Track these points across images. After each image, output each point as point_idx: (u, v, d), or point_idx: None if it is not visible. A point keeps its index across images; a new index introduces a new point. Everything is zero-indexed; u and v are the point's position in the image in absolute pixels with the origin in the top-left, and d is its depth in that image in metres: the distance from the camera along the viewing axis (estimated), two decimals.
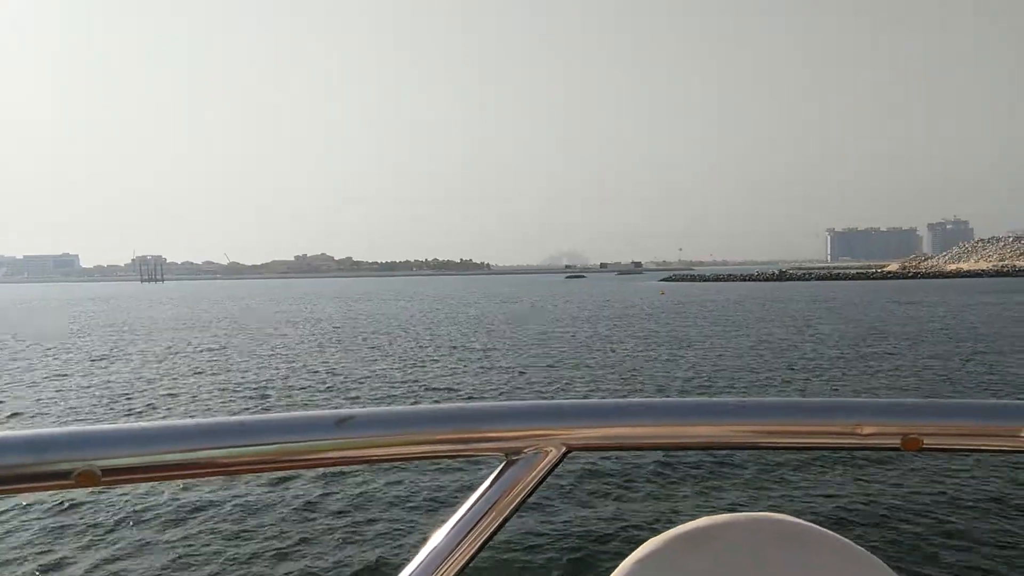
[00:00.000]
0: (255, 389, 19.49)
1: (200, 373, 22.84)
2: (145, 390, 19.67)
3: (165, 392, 19.35)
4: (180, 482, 9.28)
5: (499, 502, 0.86)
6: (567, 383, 19.37)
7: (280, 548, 8.19)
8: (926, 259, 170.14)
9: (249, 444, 0.79)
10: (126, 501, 9.68)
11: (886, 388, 17.83)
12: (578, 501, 9.44)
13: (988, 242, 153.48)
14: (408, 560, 0.84)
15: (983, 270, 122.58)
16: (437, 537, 0.85)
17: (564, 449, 0.88)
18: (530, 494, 0.88)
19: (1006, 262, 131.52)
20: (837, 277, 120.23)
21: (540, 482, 0.88)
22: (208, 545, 8.30)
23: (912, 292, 70.24)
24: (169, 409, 17.04)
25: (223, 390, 19.54)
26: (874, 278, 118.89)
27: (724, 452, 9.97)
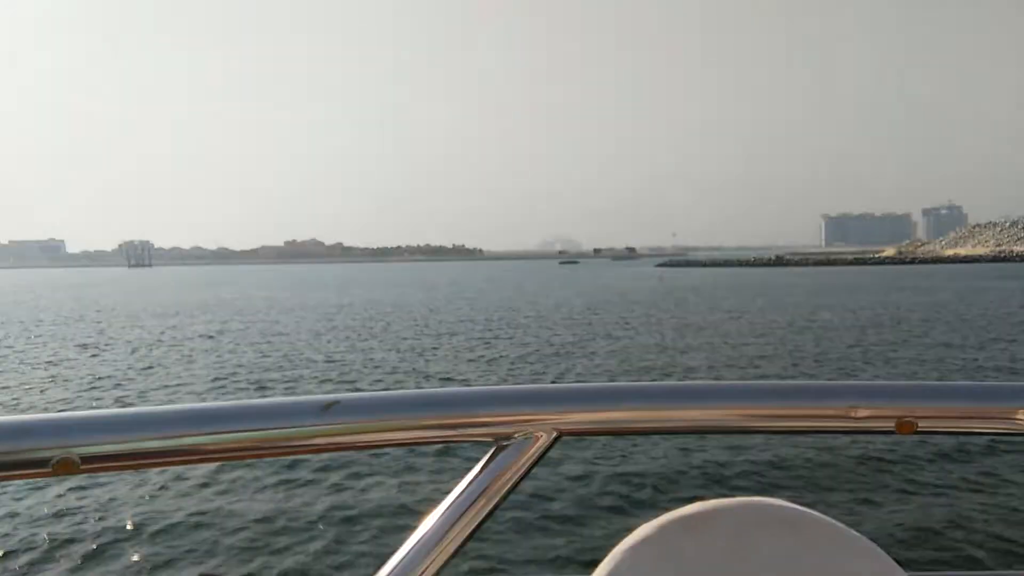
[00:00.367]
0: (244, 376, 19.13)
1: (189, 360, 22.32)
2: (130, 377, 19.23)
3: (151, 379, 18.95)
4: (162, 469, 8.55)
5: (489, 488, 0.85)
6: (567, 369, 18.85)
7: (266, 536, 8.02)
8: (922, 244, 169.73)
9: (233, 430, 0.78)
10: (106, 489, 9.42)
11: (888, 374, 17.34)
12: (569, 486, 9.29)
13: (984, 227, 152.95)
14: (398, 547, 0.83)
15: (980, 255, 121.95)
16: (427, 523, 0.84)
17: (555, 434, 0.87)
18: (521, 479, 0.87)
19: (1003, 247, 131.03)
20: (834, 263, 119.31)
21: (531, 467, 0.87)
22: (191, 533, 8.13)
23: (911, 277, 69.64)
24: (153, 395, 16.64)
25: (211, 377, 19.11)
26: (871, 263, 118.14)
27: (716, 436, 9.53)
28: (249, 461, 8.84)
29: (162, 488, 9.49)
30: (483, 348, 23.24)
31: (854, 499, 8.72)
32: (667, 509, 0.96)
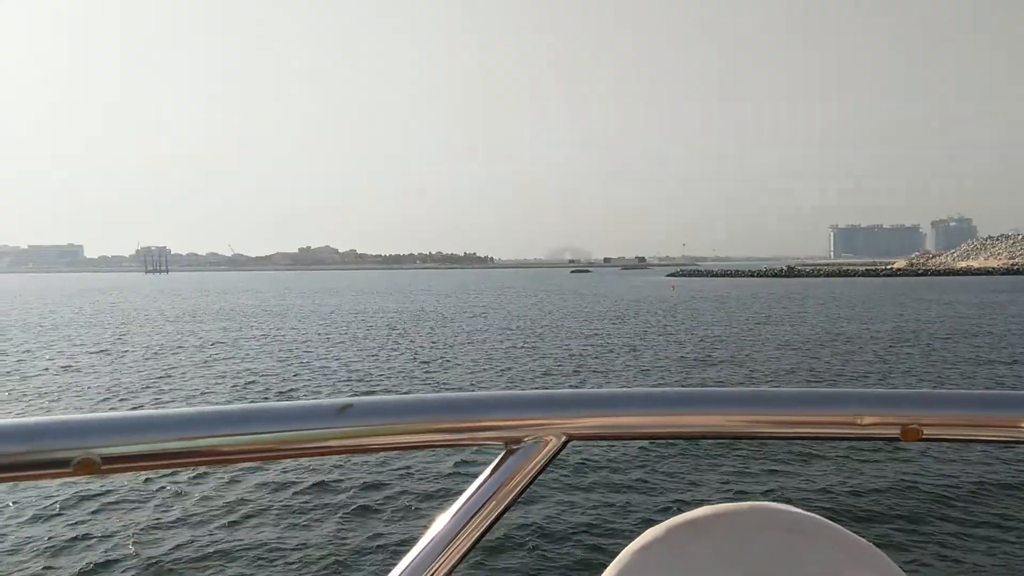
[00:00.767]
0: (260, 380, 19.41)
1: (206, 363, 22.70)
2: (149, 380, 19.53)
3: (169, 381, 19.22)
4: (180, 470, 9.21)
5: (499, 491, 0.86)
6: (586, 377, 19.17)
7: (281, 536, 8.18)
8: (934, 256, 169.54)
9: (250, 432, 0.79)
10: (126, 489, 9.63)
11: (894, 382, 17.40)
12: (578, 490, 9.41)
13: (997, 240, 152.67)
14: (409, 548, 0.84)
15: (993, 268, 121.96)
16: (438, 525, 0.85)
17: (564, 438, 0.88)
18: (530, 483, 0.88)
19: (1017, 260, 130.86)
20: (846, 274, 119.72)
21: (540, 471, 0.88)
22: (209, 533, 8.28)
23: (926, 289, 69.83)
24: (171, 398, 16.95)
25: (227, 380, 19.41)
26: (883, 275, 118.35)
27: (724, 442, 10.46)
28: (265, 463, 9.88)
29: (180, 488, 9.72)
30: (501, 355, 23.56)
31: (860, 504, 8.81)
32: (675, 513, 0.96)
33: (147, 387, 18.48)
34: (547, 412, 0.87)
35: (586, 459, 10.46)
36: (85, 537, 8.21)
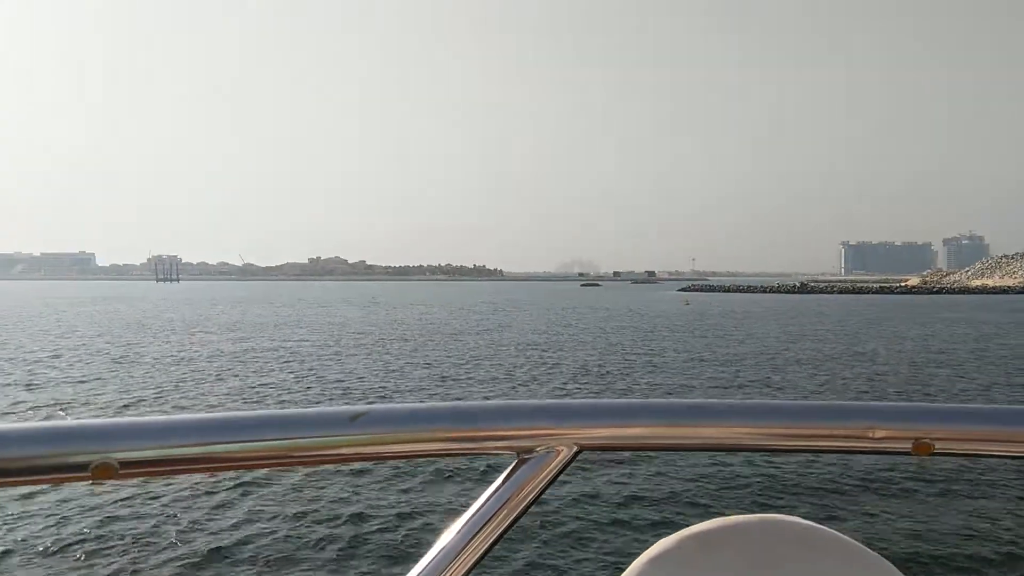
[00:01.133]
0: (273, 387, 19.63)
1: (220, 372, 22.82)
2: (165, 387, 19.73)
3: (184, 389, 19.42)
4: (195, 475, 9.71)
5: (511, 500, 0.85)
6: (602, 391, 19.08)
7: (292, 542, 8.22)
8: (948, 274, 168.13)
9: (264, 439, 0.80)
10: (142, 494, 9.71)
11: (906, 396, 17.54)
12: (590, 500, 9.38)
13: (1012, 258, 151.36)
14: (420, 556, 0.84)
15: (1010, 286, 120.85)
16: (449, 534, 0.85)
17: (576, 448, 0.88)
18: (541, 493, 0.87)
19: None
20: (860, 291, 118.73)
21: (552, 481, 0.88)
22: (222, 538, 8.32)
23: (944, 308, 69.14)
24: (187, 404, 17.19)
25: (242, 388, 19.59)
26: (898, 292, 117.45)
27: (735, 453, 10.50)
28: (278, 469, 9.81)
29: (193, 493, 9.81)
30: (519, 367, 23.50)
31: (872, 517, 8.77)
32: (685, 524, 0.95)
33: (164, 394, 18.60)
34: (559, 422, 0.87)
35: (597, 469, 10.44)
36: (101, 540, 8.26)
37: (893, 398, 17.13)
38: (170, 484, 9.95)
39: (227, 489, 9.93)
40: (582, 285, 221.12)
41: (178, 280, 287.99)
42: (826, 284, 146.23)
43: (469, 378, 21.49)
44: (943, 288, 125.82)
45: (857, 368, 23.47)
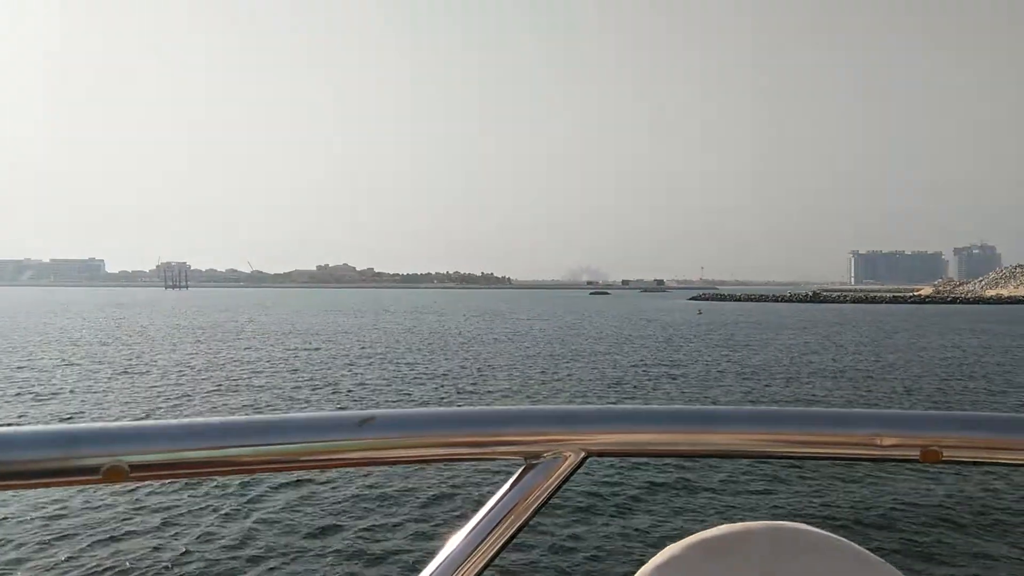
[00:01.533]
0: (282, 392, 19.69)
1: (231, 378, 22.75)
2: (176, 392, 19.82)
3: (194, 393, 19.54)
4: (205, 479, 9.16)
5: (518, 506, 0.86)
6: (620, 399, 18.38)
7: (298, 547, 8.22)
8: (960, 284, 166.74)
9: (274, 443, 0.80)
10: (152, 497, 9.73)
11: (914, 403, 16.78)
12: (596, 506, 9.37)
13: None
14: (428, 561, 0.84)
15: None
16: (456, 539, 0.85)
17: (583, 454, 0.88)
18: (549, 498, 0.88)
19: None
20: (873, 300, 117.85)
21: (559, 487, 0.88)
22: (230, 542, 8.34)
23: (960, 318, 68.24)
24: (195, 408, 17.34)
25: (252, 393, 19.71)
26: (911, 301, 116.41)
27: (742, 460, 9.68)
28: (287, 473, 9.34)
29: (202, 496, 9.81)
30: (539, 378, 23.16)
31: (879, 525, 8.73)
32: (692, 531, 0.96)
33: (174, 398, 18.64)
34: (566, 427, 0.87)
35: (604, 475, 10.41)
36: (111, 543, 8.29)
37: (903, 406, 16.86)
38: (180, 487, 9.94)
39: (236, 492, 9.94)
40: (591, 293, 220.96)
41: (187, 287, 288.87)
42: (838, 294, 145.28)
43: (481, 385, 21.18)
44: (957, 298, 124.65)
45: (882, 378, 22.86)
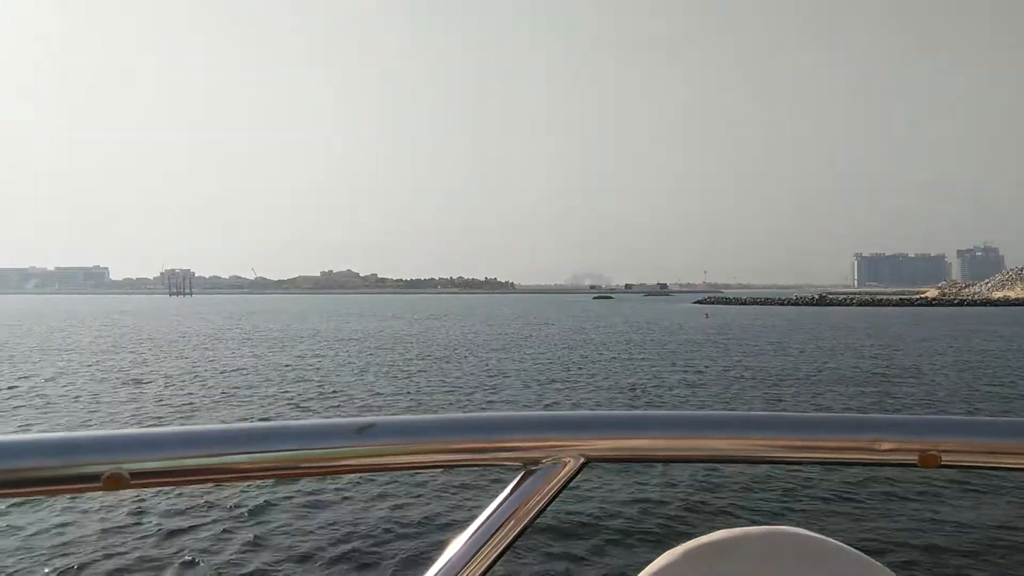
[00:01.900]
0: (284, 399, 19.75)
1: (232, 385, 22.70)
2: (176, 399, 19.90)
3: (195, 401, 19.57)
4: (205, 486, 8.87)
5: (517, 512, 0.85)
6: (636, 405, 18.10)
7: (299, 553, 8.23)
8: (966, 286, 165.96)
9: (273, 450, 0.80)
10: (152, 504, 9.72)
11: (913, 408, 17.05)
12: (595, 512, 9.35)
13: None
14: (426, 568, 0.84)
15: None
16: (455, 546, 0.85)
17: (582, 460, 0.88)
18: (548, 504, 0.88)
19: None
20: (880, 303, 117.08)
21: (558, 492, 0.88)
22: (229, 549, 8.36)
23: (971, 320, 67.57)
24: (196, 416, 17.36)
25: (252, 400, 19.70)
26: (918, 304, 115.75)
27: (741, 465, 9.82)
28: (287, 480, 9.14)
29: (204, 503, 9.81)
30: (551, 384, 22.90)
31: (878, 530, 8.72)
32: (691, 536, 0.95)
33: (175, 405, 18.67)
34: (565, 433, 0.87)
35: (603, 480, 10.42)
36: (111, 550, 8.28)
37: (908, 411, 16.68)
38: (180, 495, 9.97)
39: (236, 500, 9.95)
40: (594, 298, 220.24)
41: (191, 294, 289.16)
42: (844, 296, 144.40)
43: (486, 392, 20.88)
44: (964, 300, 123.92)
45: (904, 383, 22.42)
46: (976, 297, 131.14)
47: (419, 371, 26.28)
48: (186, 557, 8.11)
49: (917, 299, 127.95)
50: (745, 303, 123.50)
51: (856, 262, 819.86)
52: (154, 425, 15.01)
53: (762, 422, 0.89)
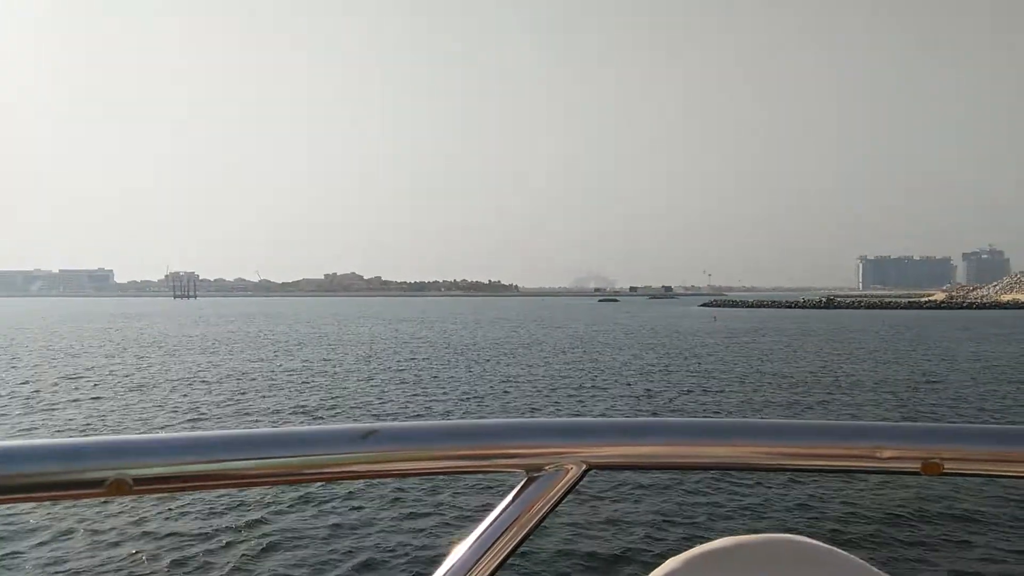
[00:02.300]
0: (287, 405, 19.71)
1: (239, 390, 22.57)
2: (181, 404, 19.85)
3: (200, 406, 19.52)
4: (208, 492, 8.55)
5: (519, 519, 0.85)
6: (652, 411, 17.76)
7: (302, 560, 8.21)
8: (974, 289, 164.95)
9: (277, 456, 0.80)
10: (155, 510, 9.69)
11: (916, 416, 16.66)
12: (598, 519, 9.33)
13: None
14: (429, 574, 0.84)
15: None
16: (457, 552, 0.85)
17: (584, 467, 0.87)
18: (550, 511, 0.87)
19: None
20: (888, 306, 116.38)
21: (560, 499, 0.87)
22: (232, 555, 8.34)
23: (986, 324, 66.77)
24: (199, 421, 17.28)
25: (256, 405, 19.70)
26: (927, 307, 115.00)
27: (744, 473, 9.70)
28: (290, 486, 8.97)
29: (207, 509, 9.79)
30: (566, 391, 22.51)
31: (879, 537, 8.72)
32: (694, 544, 0.95)
33: (179, 411, 18.64)
34: (567, 440, 0.87)
35: (605, 488, 10.38)
36: (114, 556, 8.25)
37: (921, 418, 16.41)
38: (183, 500, 9.93)
39: (239, 505, 9.95)
40: (599, 300, 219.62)
41: (195, 296, 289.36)
42: (852, 299, 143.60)
43: (491, 398, 20.54)
44: (973, 303, 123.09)
45: (925, 390, 21.83)
46: (985, 300, 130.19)
47: (426, 376, 25.89)
48: (189, 563, 8.10)
49: (925, 302, 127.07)
50: (752, 306, 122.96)
51: (861, 265, 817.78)
52: (158, 431, 14.46)
53: (763, 430, 0.89)
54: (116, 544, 8.63)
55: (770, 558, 0.92)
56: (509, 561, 0.86)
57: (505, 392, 21.99)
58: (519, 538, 0.85)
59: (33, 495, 0.74)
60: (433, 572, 0.84)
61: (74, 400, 20.48)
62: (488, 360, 32.24)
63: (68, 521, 9.31)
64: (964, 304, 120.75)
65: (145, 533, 8.98)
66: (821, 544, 0.93)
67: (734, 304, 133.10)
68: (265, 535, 8.97)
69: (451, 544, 0.86)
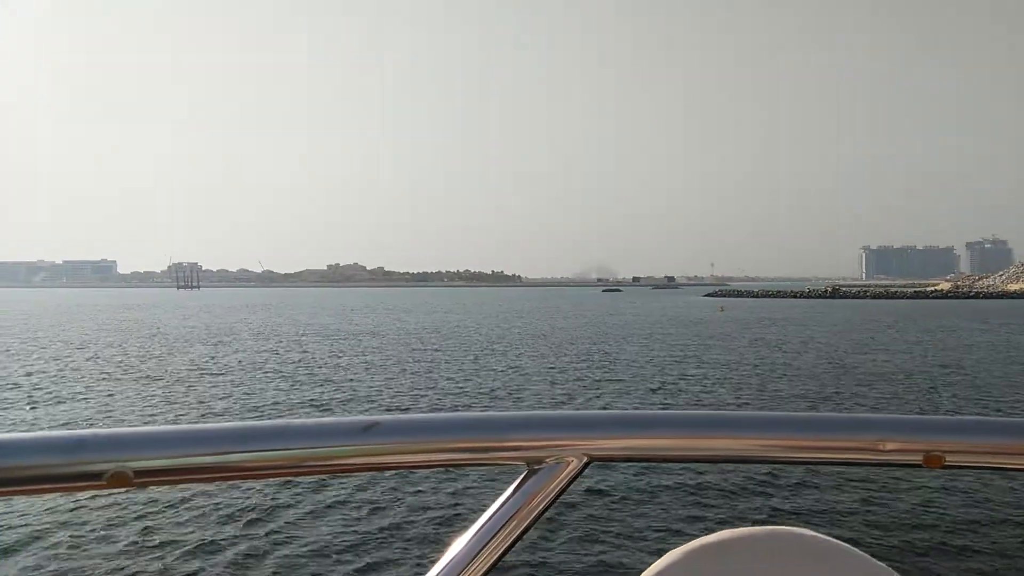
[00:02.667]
0: (288, 396, 19.65)
1: (236, 381, 22.60)
2: (182, 396, 19.81)
3: (201, 397, 19.49)
4: (209, 484, 8.63)
5: (520, 511, 0.85)
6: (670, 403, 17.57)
7: (303, 551, 8.24)
8: (980, 278, 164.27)
9: (278, 448, 0.80)
10: (156, 502, 9.71)
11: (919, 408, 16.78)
12: (598, 511, 9.33)
13: None
14: (430, 567, 0.84)
15: None
16: (458, 544, 0.85)
17: (585, 459, 0.87)
18: (551, 504, 0.87)
19: None
20: (894, 295, 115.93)
21: (561, 492, 0.87)
22: (233, 548, 8.35)
23: (997, 313, 66.18)
24: (201, 413, 17.13)
25: (258, 397, 19.63)
26: (933, 297, 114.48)
27: (745, 465, 9.19)
28: (291, 478, 8.61)
29: (208, 502, 9.79)
30: (578, 382, 22.32)
31: (881, 530, 8.70)
32: (694, 536, 0.95)
33: (180, 403, 18.62)
34: (568, 433, 0.87)
35: (606, 480, 10.37)
36: (114, 548, 8.26)
37: (907, 410, 16.39)
38: (184, 493, 9.97)
39: (240, 497, 9.95)
40: (603, 290, 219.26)
41: (198, 287, 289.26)
42: (858, 289, 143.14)
43: (495, 389, 20.34)
44: (979, 292, 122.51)
45: (941, 381, 21.53)
46: (991, 289, 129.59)
47: (430, 367, 25.73)
48: (190, 555, 8.12)
49: (931, 292, 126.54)
50: (757, 296, 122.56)
51: (864, 255, 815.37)
52: (159, 423, 14.24)
53: (765, 422, 0.89)
54: (116, 536, 8.61)
55: (771, 550, 0.92)
56: (510, 553, 0.86)
57: (508, 382, 21.83)
58: (520, 530, 0.86)
59: (34, 487, 0.74)
60: (434, 564, 0.84)
61: (78, 392, 20.37)
62: (492, 352, 31.98)
63: (69, 513, 9.29)
64: (971, 294, 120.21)
65: (146, 526, 8.97)
66: (822, 536, 0.93)
67: (738, 294, 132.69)
68: (266, 527, 8.98)
69: (452, 536, 0.86)
